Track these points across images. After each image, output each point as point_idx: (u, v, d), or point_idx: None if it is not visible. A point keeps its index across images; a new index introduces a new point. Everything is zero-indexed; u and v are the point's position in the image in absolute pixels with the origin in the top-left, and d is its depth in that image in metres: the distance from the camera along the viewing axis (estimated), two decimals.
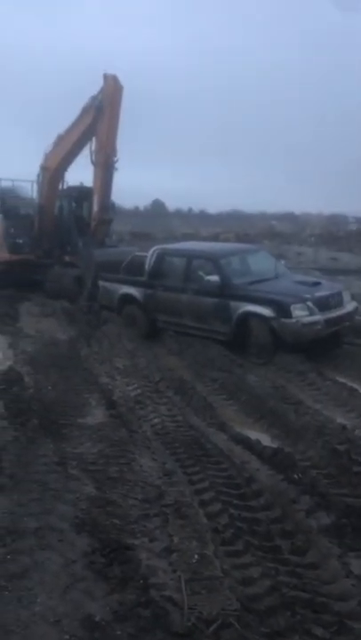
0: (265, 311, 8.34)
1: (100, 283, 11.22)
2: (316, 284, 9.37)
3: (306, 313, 8.23)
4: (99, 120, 12.95)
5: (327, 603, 2.99)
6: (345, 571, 3.27)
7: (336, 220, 51.90)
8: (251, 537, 3.68)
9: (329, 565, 3.33)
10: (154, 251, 10.36)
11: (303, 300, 8.35)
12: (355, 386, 7.06)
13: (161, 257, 10.21)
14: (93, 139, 13.21)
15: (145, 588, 3.04)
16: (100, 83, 13.03)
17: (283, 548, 3.57)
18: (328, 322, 8.39)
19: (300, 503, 4.02)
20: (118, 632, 2.73)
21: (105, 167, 12.95)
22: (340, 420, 5.90)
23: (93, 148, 13.13)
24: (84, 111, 13.36)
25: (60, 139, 14.29)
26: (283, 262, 11.35)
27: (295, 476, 4.50)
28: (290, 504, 4.00)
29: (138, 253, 11.16)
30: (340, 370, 7.93)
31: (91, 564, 3.28)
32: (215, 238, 29.35)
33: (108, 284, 11.05)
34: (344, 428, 5.59)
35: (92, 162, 13.17)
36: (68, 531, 3.61)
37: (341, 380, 7.37)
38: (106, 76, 12.90)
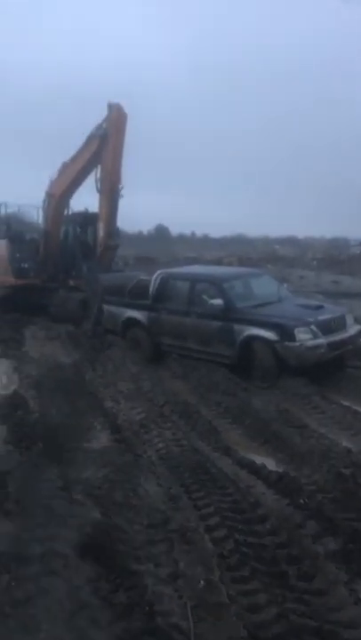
0: (269, 334, 8.37)
1: (105, 306, 11.29)
2: (319, 307, 9.41)
3: (310, 336, 8.27)
4: (104, 148, 13.17)
5: (335, 630, 2.96)
6: (353, 597, 3.24)
7: (338, 244, 52.23)
8: (257, 562, 3.65)
9: (336, 592, 3.30)
10: (158, 274, 10.45)
11: (307, 324, 8.39)
12: (359, 409, 7.04)
13: (165, 281, 10.28)
14: (98, 166, 13.42)
15: (151, 614, 3.02)
16: (105, 111, 13.28)
17: (289, 574, 3.54)
18: (331, 345, 8.43)
19: (307, 528, 3.99)
20: None
21: (110, 195, 13.13)
22: (345, 443, 5.88)
23: (99, 175, 13.33)
24: (90, 139, 13.59)
25: (66, 166, 14.51)
26: (285, 286, 11.41)
27: (301, 500, 4.47)
28: (296, 529, 3.97)
29: (142, 277, 11.27)
30: (344, 393, 7.91)
31: (96, 591, 3.25)
32: (218, 262, 29.53)
33: (112, 308, 11.12)
34: (349, 451, 5.57)
35: (98, 190, 13.36)
36: (72, 556, 3.58)
37: (346, 403, 7.35)
38: (110, 105, 13.15)
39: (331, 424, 6.60)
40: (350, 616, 3.06)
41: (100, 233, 13.60)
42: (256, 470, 5.17)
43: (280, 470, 5.19)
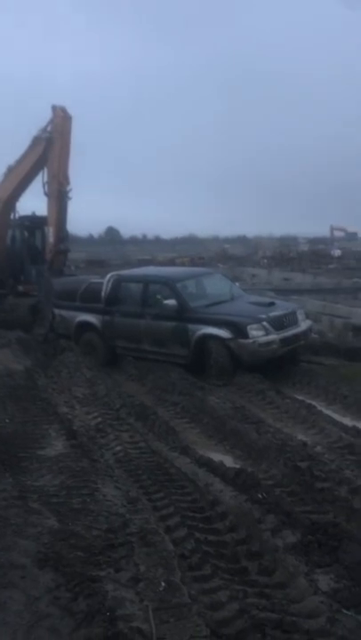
0: (222, 333, 8.47)
1: (57, 311, 11.12)
2: (271, 304, 9.53)
3: (262, 333, 8.41)
4: (49, 151, 12.98)
5: (296, 622, 2.97)
6: (313, 588, 3.26)
7: (287, 242, 53.21)
8: (218, 560, 3.65)
9: (297, 584, 3.32)
10: (110, 277, 10.38)
11: (259, 321, 8.52)
12: (313, 402, 7.17)
13: (117, 283, 10.22)
14: (45, 169, 13.22)
15: (112, 620, 2.96)
16: (49, 112, 13.10)
17: (250, 570, 3.56)
18: (284, 341, 8.59)
19: (266, 523, 4.00)
20: None
21: (58, 198, 12.95)
22: (300, 437, 5.97)
23: (46, 178, 13.14)
24: (34, 142, 13.39)
25: (11, 170, 14.23)
26: (237, 284, 11.54)
27: (259, 495, 4.49)
28: (255, 524, 3.98)
29: (94, 280, 11.14)
30: (298, 387, 8.05)
31: (55, 600, 3.17)
32: (171, 263, 29.60)
33: (64, 312, 10.98)
34: (305, 444, 5.65)
35: (45, 193, 13.18)
36: (30, 566, 3.49)
37: (300, 397, 7.48)
38: (54, 108, 13.00)
39: (286, 418, 6.69)
40: (311, 607, 3.08)
41: (50, 237, 13.39)
42: (214, 468, 5.17)
43: (238, 467, 5.21)
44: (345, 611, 3.09)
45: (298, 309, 9.59)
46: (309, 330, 9.56)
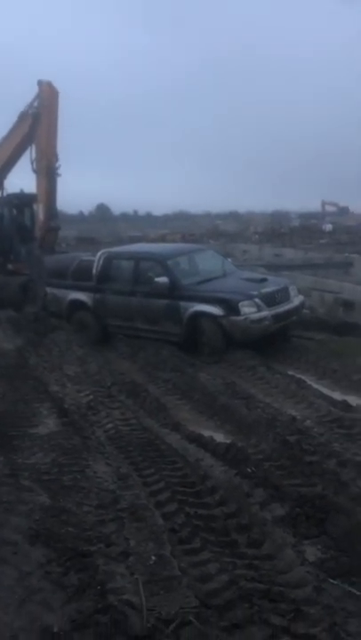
0: (214, 310, 8.44)
1: (48, 289, 11.05)
2: (263, 280, 9.48)
3: (254, 309, 8.38)
4: (37, 127, 12.80)
5: (284, 592, 3.04)
6: (300, 559, 3.33)
7: (279, 217, 53.02)
8: (207, 534, 3.70)
9: (285, 555, 3.38)
10: (101, 254, 10.28)
11: (251, 297, 8.48)
12: (303, 377, 7.22)
13: (108, 260, 10.13)
14: (33, 146, 13.04)
15: (103, 594, 3.01)
16: (35, 88, 12.89)
17: (239, 542, 3.61)
18: (276, 317, 8.57)
19: (255, 496, 4.07)
20: None
21: (47, 174, 12.81)
22: (289, 411, 6.02)
23: (34, 155, 12.97)
24: (21, 119, 13.20)
25: None
26: (229, 260, 11.46)
27: (248, 469, 4.55)
28: (244, 498, 4.04)
29: (85, 258, 11.04)
30: (288, 363, 8.10)
31: (47, 575, 3.21)
32: (162, 240, 29.44)
33: (56, 291, 10.88)
34: (294, 419, 5.70)
35: (34, 170, 13.01)
36: (22, 543, 3.53)
37: (290, 372, 7.52)
38: (40, 83, 12.79)
39: (276, 393, 6.73)
40: (298, 577, 3.15)
41: (40, 215, 13.26)
42: (205, 444, 5.23)
43: (228, 442, 5.25)
44: (331, 580, 3.17)
45: (290, 285, 9.54)
46: (302, 305, 9.53)
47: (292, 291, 9.38)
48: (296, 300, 9.28)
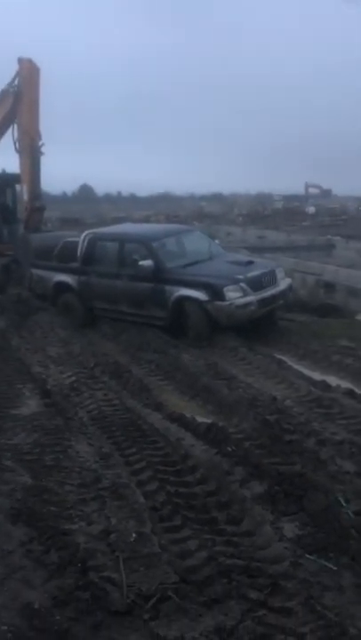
0: (199, 295, 8.27)
1: (33, 271, 10.89)
2: (250, 263, 9.24)
3: (239, 294, 8.20)
4: (18, 105, 12.55)
5: (261, 567, 3.11)
6: (278, 535, 3.40)
7: (262, 199, 52.95)
8: (188, 511, 3.76)
9: (263, 531, 3.45)
10: (86, 235, 10.04)
11: (236, 282, 8.31)
12: (284, 358, 7.30)
13: (93, 242, 9.88)
14: (15, 126, 12.80)
15: (83, 571, 3.05)
16: (13, 67, 12.63)
17: (219, 520, 3.67)
18: (262, 302, 8.38)
19: (235, 474, 4.13)
20: (58, 617, 2.73)
21: (31, 153, 12.55)
22: (270, 391, 6.08)
23: (16, 135, 12.73)
24: (1, 96, 12.92)
25: None
26: (217, 242, 11.16)
27: (228, 448, 4.60)
28: (224, 476, 4.10)
29: (69, 239, 10.76)
30: (270, 344, 8.15)
31: (28, 553, 3.25)
32: (146, 221, 29.28)
33: (41, 272, 10.68)
34: (274, 399, 5.77)
35: (17, 150, 12.75)
36: (3, 522, 3.56)
37: (271, 353, 7.58)
38: (21, 60, 12.51)
39: (257, 374, 6.79)
40: (275, 553, 3.22)
41: (25, 195, 13.01)
42: (186, 423, 5.28)
43: (209, 422, 5.30)
44: (308, 555, 3.24)
45: (277, 268, 9.33)
46: (289, 289, 9.30)
47: (279, 273, 9.17)
48: (283, 284, 9.05)
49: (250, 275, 8.54)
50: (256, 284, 8.46)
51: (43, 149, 12.74)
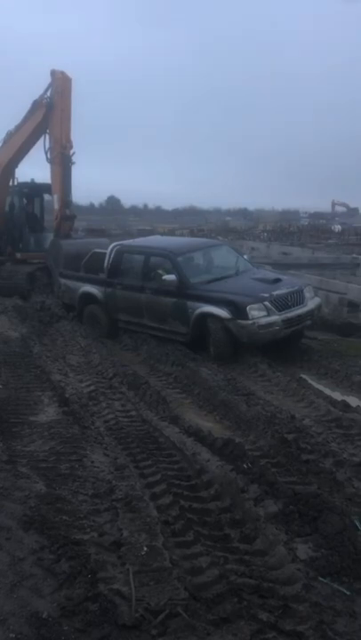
0: (221, 312, 8.05)
1: (62, 280, 10.97)
2: (277, 280, 8.88)
3: (263, 313, 7.96)
4: (50, 115, 12.78)
5: (273, 588, 3.05)
6: (291, 556, 3.35)
7: (288, 216, 52.90)
8: (201, 527, 3.72)
9: (276, 552, 3.40)
10: (113, 247, 10.03)
11: (260, 300, 8.06)
12: (304, 376, 7.23)
13: (120, 254, 9.85)
14: (47, 136, 13.02)
15: (93, 582, 3.03)
16: (46, 79, 12.89)
17: (232, 537, 3.63)
18: (287, 322, 8.08)
19: (249, 492, 4.08)
20: (65, 627, 2.72)
21: (62, 162, 12.72)
22: (289, 409, 6.01)
23: (48, 145, 12.94)
24: (34, 107, 13.17)
25: (10, 135, 14.03)
26: (245, 257, 10.95)
27: (245, 465, 4.56)
28: (239, 493, 4.05)
29: (98, 250, 10.79)
30: (291, 362, 8.09)
31: (39, 561, 3.24)
32: (171, 234, 29.42)
33: (69, 282, 10.75)
34: (293, 417, 5.71)
35: (48, 160, 12.95)
36: (15, 529, 3.56)
37: (291, 370, 7.51)
38: (54, 72, 12.79)
39: (276, 391, 6.74)
40: (288, 573, 3.16)
41: (56, 204, 13.17)
42: (202, 438, 5.23)
43: (226, 437, 5.26)
44: (321, 578, 3.18)
45: (305, 287, 8.96)
46: (317, 309, 8.95)
47: (308, 293, 8.84)
48: (311, 304, 8.70)
49: (276, 293, 8.27)
50: (282, 304, 8.19)
51: (74, 158, 12.92)
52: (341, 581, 3.17)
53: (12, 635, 2.66)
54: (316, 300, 9.04)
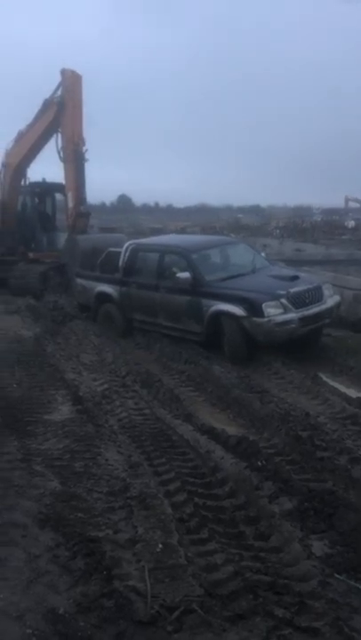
0: (236, 310, 7.85)
1: (77, 280, 10.96)
2: (295, 278, 8.63)
3: (280, 311, 7.74)
4: (62, 114, 12.84)
5: (289, 584, 3.05)
6: (306, 553, 3.33)
7: (301, 212, 52.66)
8: (215, 525, 3.72)
9: (291, 548, 3.39)
10: (128, 245, 9.97)
11: (277, 297, 7.83)
12: (319, 373, 7.18)
13: (135, 252, 9.79)
14: (58, 135, 13.07)
15: (109, 579, 3.05)
16: (56, 77, 12.95)
17: (247, 534, 3.62)
18: (304, 320, 7.85)
19: (264, 489, 4.07)
20: (82, 623, 2.74)
21: (75, 160, 12.77)
22: (303, 407, 5.99)
23: (60, 144, 12.99)
24: (45, 106, 13.24)
25: (22, 135, 14.14)
26: (263, 254, 10.73)
27: (259, 463, 4.55)
28: (253, 490, 4.05)
29: (113, 249, 10.70)
30: (306, 359, 8.00)
31: (54, 558, 3.27)
32: (182, 232, 29.43)
33: (84, 282, 10.73)
34: (308, 414, 5.68)
35: (61, 159, 13.00)
36: (31, 526, 3.60)
37: (306, 368, 7.47)
38: (63, 71, 12.85)
39: (290, 389, 6.70)
40: (303, 571, 3.15)
41: (70, 202, 13.21)
42: (216, 435, 5.23)
43: (240, 434, 5.25)
44: (337, 575, 3.16)
45: (324, 284, 8.71)
46: (337, 306, 8.68)
47: (327, 290, 8.55)
48: (330, 301, 8.43)
49: (293, 290, 8.00)
50: (299, 301, 7.95)
51: (86, 155, 12.96)
52: (357, 578, 3.15)
53: (29, 630, 2.68)
54: (336, 298, 8.84)
